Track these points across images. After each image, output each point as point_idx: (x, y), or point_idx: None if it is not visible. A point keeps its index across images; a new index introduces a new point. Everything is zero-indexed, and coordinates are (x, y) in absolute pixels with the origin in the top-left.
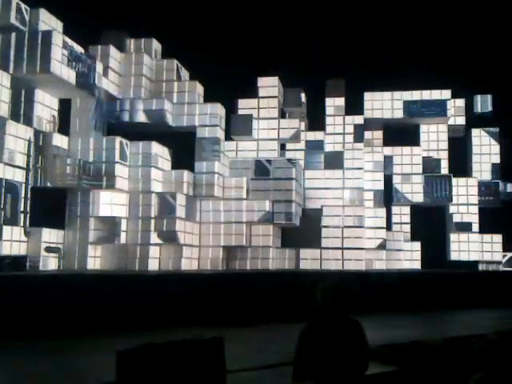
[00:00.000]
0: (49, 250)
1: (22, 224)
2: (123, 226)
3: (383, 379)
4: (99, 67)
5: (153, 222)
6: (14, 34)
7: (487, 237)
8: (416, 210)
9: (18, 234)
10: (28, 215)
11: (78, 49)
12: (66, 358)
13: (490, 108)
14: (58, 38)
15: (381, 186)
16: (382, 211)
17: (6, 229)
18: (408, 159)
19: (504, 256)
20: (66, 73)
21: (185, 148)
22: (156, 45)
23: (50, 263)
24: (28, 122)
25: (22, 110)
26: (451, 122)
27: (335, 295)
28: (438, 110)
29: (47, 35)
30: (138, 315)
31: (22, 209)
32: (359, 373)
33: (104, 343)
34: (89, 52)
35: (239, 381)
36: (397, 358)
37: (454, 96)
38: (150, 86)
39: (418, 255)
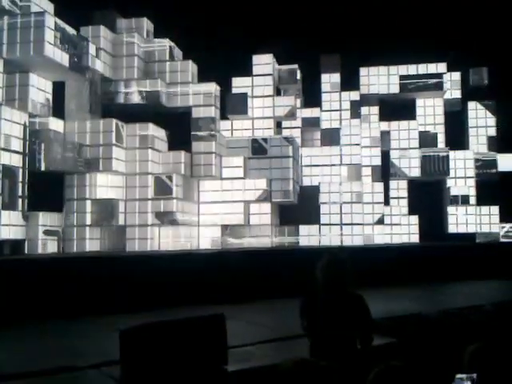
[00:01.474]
0: (47, 233)
1: (20, 208)
2: (120, 208)
3: (382, 351)
4: (92, 49)
5: (150, 203)
6: (5, 17)
7: (485, 209)
8: (413, 185)
9: (17, 219)
10: (26, 199)
11: (70, 30)
12: (69, 338)
13: (485, 81)
14: (51, 20)
15: (378, 161)
16: (380, 186)
17: (5, 213)
18: (405, 134)
19: (502, 228)
20: (59, 55)
21: (181, 128)
22: (148, 24)
23: (49, 246)
24: (23, 106)
25: (16, 94)
26: (447, 95)
27: (328, 270)
28: (433, 83)
29: (40, 17)
30: (139, 296)
31: (20, 193)
32: (364, 346)
33: (107, 323)
34: (80, 33)
35: (240, 356)
36: (396, 330)
37: (449, 69)
38: (143, 67)
39: (415, 229)
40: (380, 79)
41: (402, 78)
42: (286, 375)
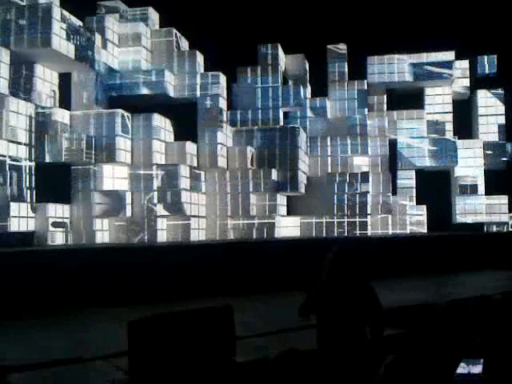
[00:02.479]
0: (55, 224)
1: (28, 200)
2: (127, 199)
3: (390, 342)
4: (97, 39)
5: (156, 194)
6: (13, 9)
7: (493, 199)
8: (421, 174)
9: (26, 210)
10: (34, 191)
11: (76, 21)
12: (77, 329)
13: (494, 69)
14: (57, 12)
15: (386, 151)
16: (388, 176)
17: (14, 205)
18: (412, 123)
19: (511, 217)
20: (65, 46)
21: (187, 119)
22: (153, 14)
23: (58, 238)
24: (29, 97)
25: (22, 85)
26: (456, 84)
27: (338, 261)
28: (442, 72)
29: (47, 9)
30: (147, 287)
31: (27, 185)
32: (375, 338)
33: (114, 315)
34: (85, 24)
35: (248, 347)
36: (403, 321)
37: (458, 58)
38: (149, 57)
39: (423, 219)
40: (387, 68)
41: (409, 66)
42: (273, 366)
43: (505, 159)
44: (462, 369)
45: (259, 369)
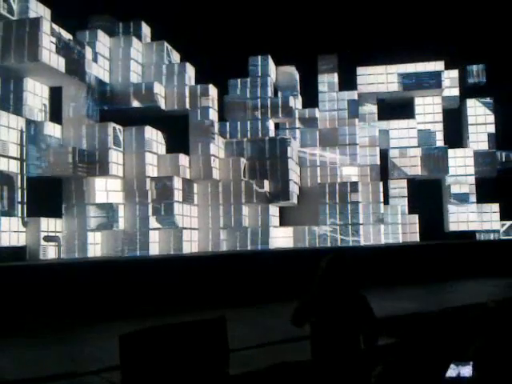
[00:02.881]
0: (47, 239)
1: (19, 214)
2: (120, 212)
3: (384, 351)
4: (88, 53)
5: (150, 206)
6: (1, 23)
7: (485, 207)
8: (413, 184)
9: (16, 225)
10: (25, 205)
11: (66, 35)
12: (69, 344)
13: (483, 78)
14: (46, 26)
15: (377, 160)
16: (379, 186)
17: (4, 220)
18: (404, 133)
19: (503, 225)
20: (56, 60)
21: (179, 131)
22: (145, 28)
23: (50, 252)
24: (19, 111)
25: (12, 99)
26: (445, 93)
27: (331, 270)
28: (432, 81)
29: (35, 23)
30: (139, 300)
31: (19, 199)
32: (369, 347)
33: (108, 329)
34: (76, 38)
35: (242, 359)
36: (397, 330)
37: (447, 67)
38: (140, 70)
39: (415, 228)
40: (378, 78)
41: (399, 76)
42: (264, 378)
43: (495, 167)
44: (452, 371)
45: (252, 381)
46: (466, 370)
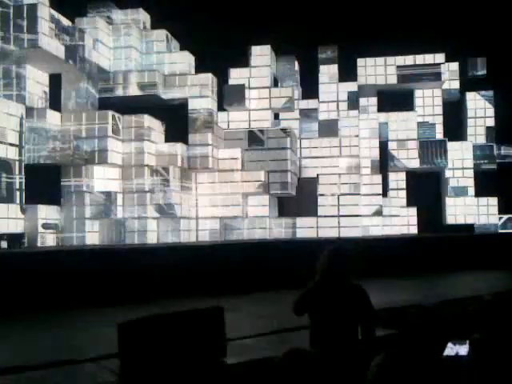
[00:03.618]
0: (46, 226)
1: (18, 201)
2: (119, 201)
3: (383, 342)
4: (88, 40)
5: (148, 195)
6: None
7: (483, 200)
8: (412, 176)
9: (15, 212)
10: (24, 192)
11: (66, 22)
12: (67, 331)
13: (484, 71)
14: (45, 11)
15: (376, 152)
16: (378, 178)
17: (2, 207)
18: (403, 125)
19: (500, 218)
20: (55, 46)
21: (178, 120)
22: (144, 16)
23: (48, 239)
24: (20, 98)
25: (13, 86)
26: (445, 86)
27: (331, 261)
28: (432, 74)
29: (33, 8)
30: (137, 288)
31: (17, 186)
32: (367, 338)
33: (105, 316)
34: (76, 25)
35: (239, 349)
36: (396, 321)
37: (447, 59)
38: (140, 58)
39: (414, 220)
40: (377, 70)
41: (399, 68)
42: (279, 366)
43: (495, 161)
44: (450, 350)
45: (251, 370)
46: (464, 349)
